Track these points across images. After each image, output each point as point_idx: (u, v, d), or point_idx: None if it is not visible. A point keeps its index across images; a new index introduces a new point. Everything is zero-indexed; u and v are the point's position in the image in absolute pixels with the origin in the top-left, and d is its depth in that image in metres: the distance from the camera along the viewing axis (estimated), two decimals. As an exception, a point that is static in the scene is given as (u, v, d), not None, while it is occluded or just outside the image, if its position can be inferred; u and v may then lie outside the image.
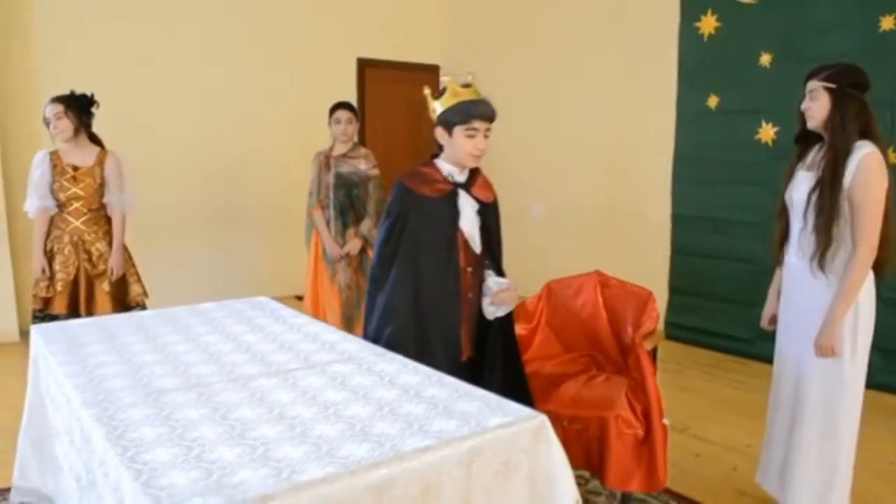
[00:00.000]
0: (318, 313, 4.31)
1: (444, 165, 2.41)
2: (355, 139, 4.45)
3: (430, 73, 7.33)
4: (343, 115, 4.30)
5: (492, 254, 2.49)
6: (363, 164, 4.36)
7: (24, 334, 5.19)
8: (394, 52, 7.12)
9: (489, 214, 2.49)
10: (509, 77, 6.54)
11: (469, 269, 2.41)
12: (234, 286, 5.50)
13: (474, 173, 2.47)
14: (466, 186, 2.42)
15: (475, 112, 2.30)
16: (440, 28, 7.42)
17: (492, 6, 6.96)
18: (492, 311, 2.45)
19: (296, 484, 1.28)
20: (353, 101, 6.48)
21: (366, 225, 4.37)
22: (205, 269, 6.18)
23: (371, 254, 4.40)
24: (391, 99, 7.16)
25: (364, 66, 7.00)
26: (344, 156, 4.35)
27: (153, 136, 5.75)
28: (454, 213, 2.38)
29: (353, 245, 4.35)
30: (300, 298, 5.15)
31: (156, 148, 5.73)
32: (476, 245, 2.43)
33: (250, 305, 2.77)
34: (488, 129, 2.35)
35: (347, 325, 4.29)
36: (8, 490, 2.81)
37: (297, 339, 2.28)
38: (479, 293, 2.46)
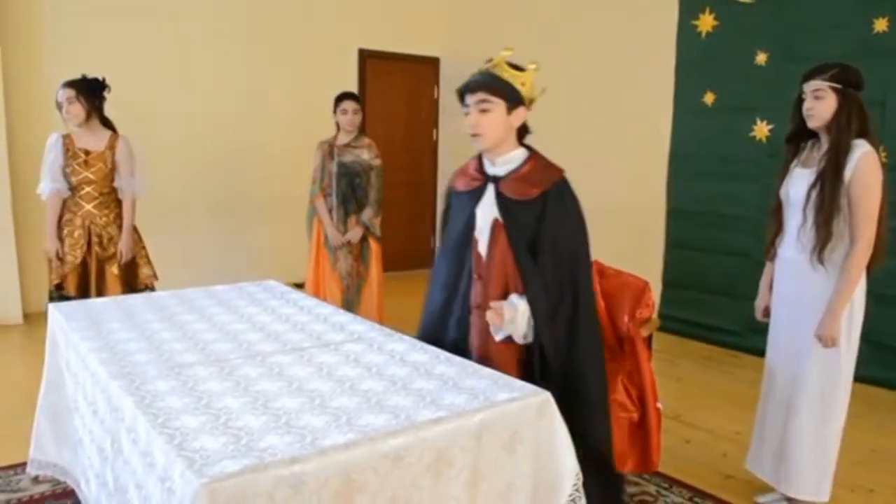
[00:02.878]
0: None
1: (486, 154, 2.16)
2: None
3: (430, 65, 7.42)
4: (350, 105, 4.37)
5: (519, 264, 2.03)
6: (366, 154, 4.44)
7: (28, 317, 5.26)
8: (395, 44, 7.18)
9: (522, 214, 2.04)
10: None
11: (476, 276, 2.10)
12: (235, 272, 5.55)
13: (527, 162, 2.11)
14: (498, 180, 2.09)
15: (461, 87, 2.03)
16: (441, 20, 7.48)
17: (492, 0, 7.02)
18: (493, 329, 2.07)
19: (320, 448, 1.37)
20: (355, 91, 6.54)
21: (367, 213, 4.45)
22: (206, 255, 6.25)
23: (371, 242, 4.51)
24: (392, 90, 7.22)
25: (365, 57, 7.06)
26: (347, 145, 4.43)
27: (158, 125, 5.79)
28: (473, 213, 2.12)
29: (355, 233, 4.43)
30: (300, 286, 5.22)
31: (160, 137, 5.76)
32: (482, 249, 2.09)
33: (261, 288, 2.86)
34: (482, 101, 1.98)
35: (347, 312, 4.37)
36: (16, 466, 2.89)
37: (308, 319, 2.37)
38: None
